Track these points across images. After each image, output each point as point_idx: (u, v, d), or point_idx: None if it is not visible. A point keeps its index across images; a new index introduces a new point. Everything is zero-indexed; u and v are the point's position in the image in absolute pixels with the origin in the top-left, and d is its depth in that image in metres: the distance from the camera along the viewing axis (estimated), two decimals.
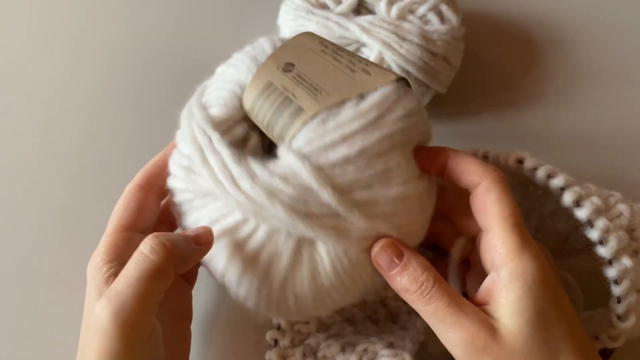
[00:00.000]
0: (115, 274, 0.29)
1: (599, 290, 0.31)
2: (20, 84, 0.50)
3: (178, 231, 0.32)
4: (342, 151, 0.27)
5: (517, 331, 0.26)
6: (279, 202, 0.26)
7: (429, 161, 0.31)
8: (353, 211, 0.27)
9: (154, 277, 0.26)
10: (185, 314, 0.34)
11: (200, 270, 0.38)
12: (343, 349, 0.33)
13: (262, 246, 0.27)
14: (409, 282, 0.28)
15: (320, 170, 0.27)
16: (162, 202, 0.35)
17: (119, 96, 0.49)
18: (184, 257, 0.28)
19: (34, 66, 0.51)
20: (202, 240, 0.29)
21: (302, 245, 0.28)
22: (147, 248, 0.27)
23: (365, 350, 0.32)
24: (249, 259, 0.28)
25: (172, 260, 0.27)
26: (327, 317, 0.37)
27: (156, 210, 0.34)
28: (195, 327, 0.37)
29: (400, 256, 0.28)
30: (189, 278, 0.37)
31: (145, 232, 0.32)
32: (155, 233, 0.28)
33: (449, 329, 0.27)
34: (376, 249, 0.29)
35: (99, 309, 0.26)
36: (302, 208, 0.27)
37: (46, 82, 0.50)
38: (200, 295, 0.38)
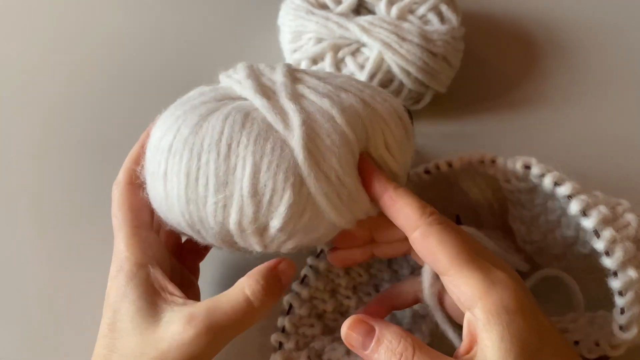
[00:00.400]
0: (158, 279, 0.30)
1: (599, 290, 0.30)
2: (18, 84, 0.50)
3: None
4: (315, 71, 0.34)
5: None
6: (243, 67, 0.33)
7: (368, 179, 0.30)
8: (286, 89, 0.31)
9: (253, 321, 0.30)
10: None
11: (205, 272, 0.38)
12: (348, 352, 0.33)
13: (217, 98, 0.32)
14: (387, 356, 0.26)
15: (288, 65, 0.33)
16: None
17: (119, 96, 0.49)
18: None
19: (28, 70, 0.51)
20: (288, 277, 0.31)
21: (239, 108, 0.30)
22: (254, 295, 0.29)
23: None
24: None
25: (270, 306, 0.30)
26: (331, 320, 0.37)
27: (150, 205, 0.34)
28: None
29: (371, 332, 0.27)
30: (194, 271, 0.37)
31: (152, 228, 0.33)
32: (256, 277, 0.30)
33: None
34: (345, 329, 0.28)
35: (193, 334, 0.28)
36: (256, 77, 0.32)
37: (43, 85, 0.50)
38: (204, 297, 0.38)
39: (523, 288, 0.28)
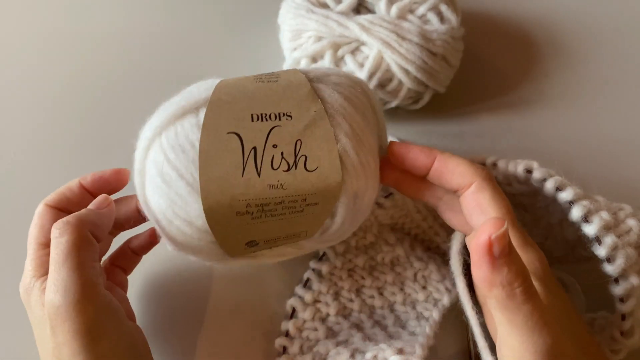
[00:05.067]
0: None
1: (600, 291, 0.31)
2: (17, 84, 0.49)
3: None
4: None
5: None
6: None
7: (414, 159, 0.31)
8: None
9: (75, 252, 0.27)
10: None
11: (211, 274, 0.38)
12: (352, 356, 0.33)
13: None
14: (514, 275, 0.24)
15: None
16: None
17: (119, 96, 0.48)
18: (93, 222, 0.29)
19: (28, 70, 0.50)
20: (102, 206, 0.31)
21: None
22: (55, 233, 0.28)
23: (375, 357, 0.32)
24: None
25: (83, 230, 0.28)
26: (335, 324, 0.36)
27: None
28: (203, 335, 0.37)
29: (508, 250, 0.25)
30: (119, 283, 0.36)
31: None
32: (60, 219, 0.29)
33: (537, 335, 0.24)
34: (485, 236, 0.24)
35: (47, 303, 0.27)
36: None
37: (43, 85, 0.49)
38: (210, 302, 0.38)
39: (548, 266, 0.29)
